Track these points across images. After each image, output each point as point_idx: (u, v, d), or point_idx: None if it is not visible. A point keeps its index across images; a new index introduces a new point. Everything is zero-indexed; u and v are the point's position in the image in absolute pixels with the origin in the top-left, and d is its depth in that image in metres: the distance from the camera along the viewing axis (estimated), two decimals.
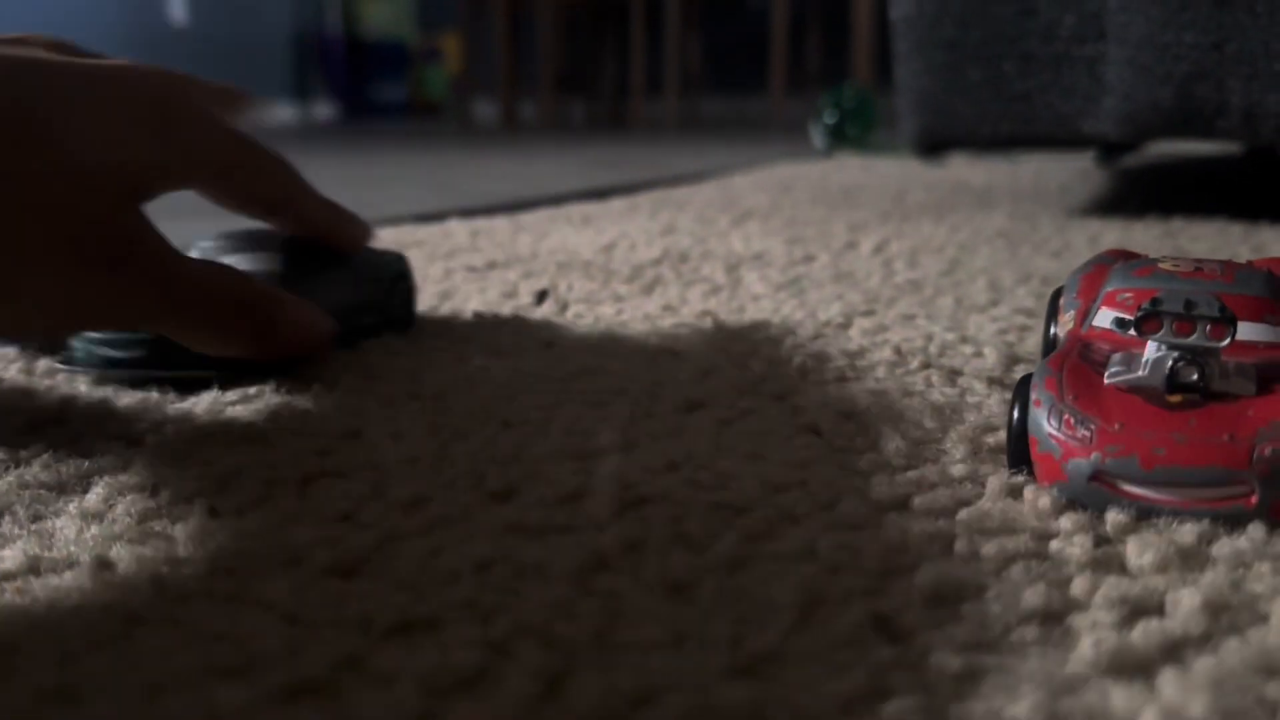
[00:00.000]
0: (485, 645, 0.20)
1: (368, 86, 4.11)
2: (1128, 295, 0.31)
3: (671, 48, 3.03)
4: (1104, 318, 0.31)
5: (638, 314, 0.53)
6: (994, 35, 0.83)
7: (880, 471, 0.30)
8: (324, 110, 4.23)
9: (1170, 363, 0.28)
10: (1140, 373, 0.28)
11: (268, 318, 0.37)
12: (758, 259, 0.69)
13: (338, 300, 0.44)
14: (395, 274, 0.48)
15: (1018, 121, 0.84)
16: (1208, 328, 0.28)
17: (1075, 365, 0.29)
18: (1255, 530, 0.25)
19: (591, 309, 0.54)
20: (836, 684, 0.19)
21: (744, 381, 0.40)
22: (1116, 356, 0.29)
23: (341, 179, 1.44)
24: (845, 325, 0.50)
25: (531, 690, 0.19)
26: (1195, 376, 0.28)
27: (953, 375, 0.40)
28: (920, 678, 0.19)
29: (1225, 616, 0.21)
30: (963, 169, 1.34)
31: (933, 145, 0.88)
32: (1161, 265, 0.33)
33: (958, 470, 0.29)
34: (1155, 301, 0.29)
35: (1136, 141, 0.83)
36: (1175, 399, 0.27)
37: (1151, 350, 0.28)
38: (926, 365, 0.42)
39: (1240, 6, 0.73)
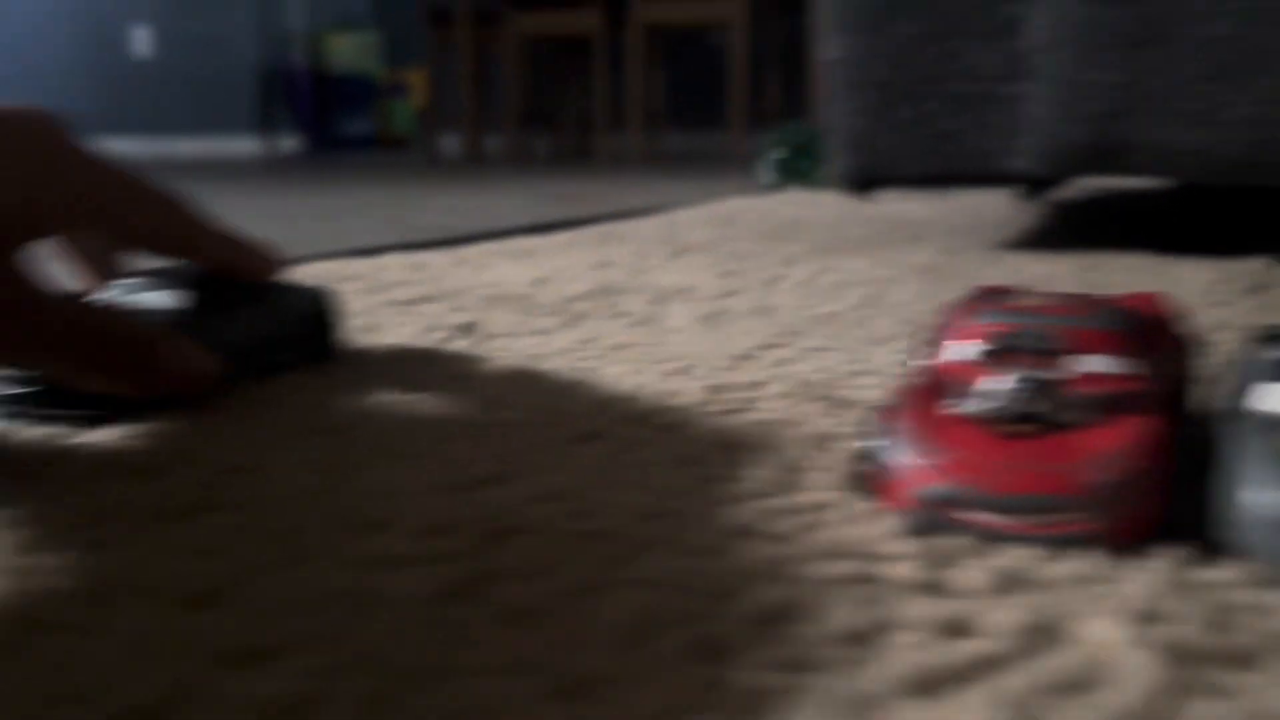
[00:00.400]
0: (321, 673, 0.21)
1: (334, 120, 4.12)
2: (982, 329, 0.32)
3: (633, 84, 3.06)
4: (959, 350, 0.32)
5: (556, 347, 0.54)
6: (922, 76, 0.85)
7: (745, 499, 0.31)
8: (290, 143, 4.24)
9: (1016, 394, 0.29)
10: (987, 403, 0.29)
11: (144, 356, 0.38)
12: (684, 293, 0.71)
13: (249, 336, 0.44)
14: (314, 310, 0.48)
15: (945, 159, 0.86)
16: (1054, 361, 0.30)
17: (926, 396, 0.30)
18: (1083, 555, 0.26)
19: (512, 342, 0.55)
20: (651, 703, 0.20)
21: (640, 413, 0.41)
22: (966, 388, 0.30)
23: (293, 213, 1.44)
24: (752, 358, 0.51)
25: (350, 716, 0.20)
26: (1039, 407, 0.29)
27: (844, 406, 0.42)
28: (730, 697, 0.20)
29: (1035, 638, 0.22)
30: (903, 204, 1.36)
31: (864, 183, 0.90)
32: (1024, 301, 0.34)
33: (814, 498, 0.30)
34: (1006, 335, 0.30)
35: (1058, 178, 0.86)
36: (1019, 429, 0.29)
37: (998, 382, 0.29)
38: (823, 397, 0.43)
39: (1153, 48, 0.76)
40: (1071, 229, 1.06)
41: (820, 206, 1.34)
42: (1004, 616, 0.23)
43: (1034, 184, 0.91)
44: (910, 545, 0.26)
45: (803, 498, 0.30)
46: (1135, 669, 0.21)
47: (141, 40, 4.05)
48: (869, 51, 0.86)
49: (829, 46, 0.88)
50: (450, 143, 3.96)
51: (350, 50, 4.14)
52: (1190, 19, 0.74)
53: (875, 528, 0.27)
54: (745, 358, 0.51)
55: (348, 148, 4.10)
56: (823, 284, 0.74)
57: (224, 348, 0.43)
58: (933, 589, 0.24)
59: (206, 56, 4.16)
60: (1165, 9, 0.75)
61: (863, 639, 0.22)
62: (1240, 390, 0.31)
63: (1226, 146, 0.76)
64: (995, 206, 1.30)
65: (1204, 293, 0.70)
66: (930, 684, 0.20)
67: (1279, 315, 0.62)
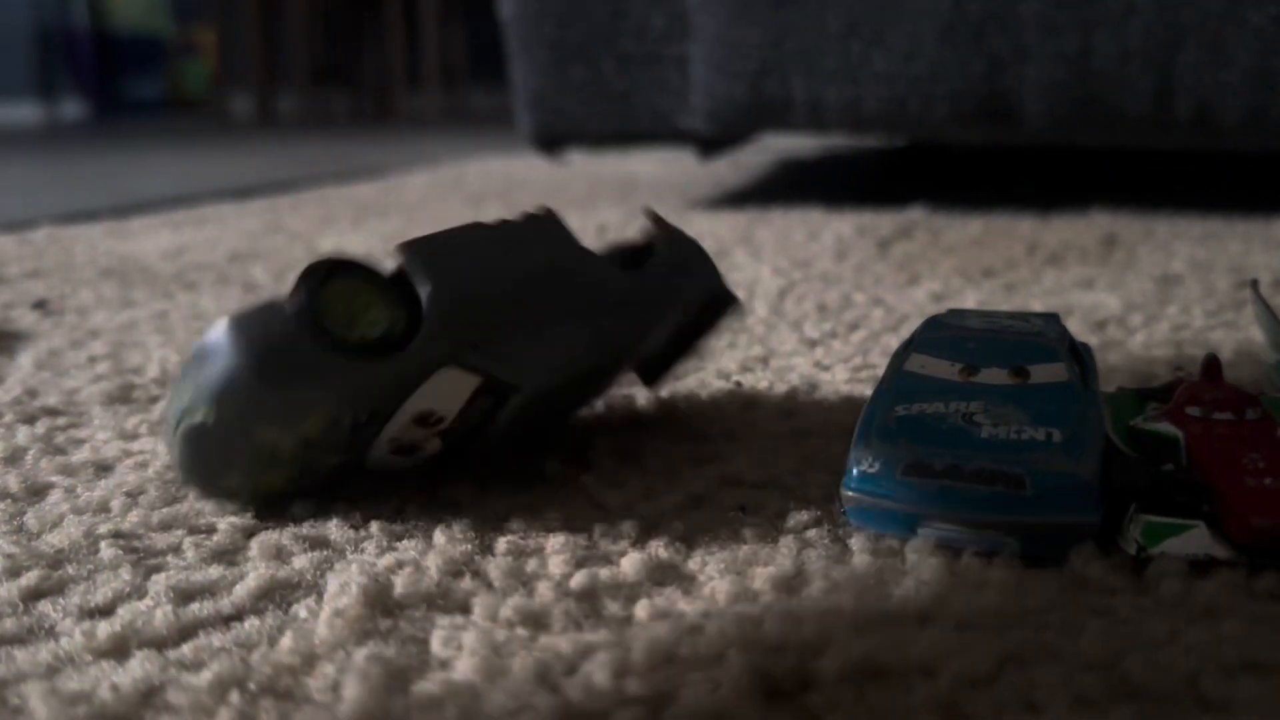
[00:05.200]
0: None
1: (121, 83, 3.90)
2: None
3: (429, 39, 3.00)
4: None
5: (123, 321, 0.52)
6: (592, 35, 0.86)
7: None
8: (72, 109, 3.99)
9: None
10: None
11: None
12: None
13: None
14: None
15: (621, 118, 0.87)
16: None
17: None
18: None
19: (85, 317, 0.53)
20: None
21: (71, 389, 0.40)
22: None
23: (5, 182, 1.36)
24: None
25: None
26: None
27: None
28: None
29: None
30: (647, 162, 1.38)
31: (548, 141, 0.90)
32: None
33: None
34: None
35: (724, 136, 0.88)
36: None
37: None
38: None
39: (793, 7, 0.78)
40: (771, 187, 1.09)
41: (561, 168, 1.34)
42: None
43: (709, 143, 0.93)
44: None
45: None
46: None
47: None
48: (539, 9, 0.86)
49: (504, 3, 0.88)
50: (245, 103, 3.80)
51: (135, 8, 3.91)
52: None
53: None
54: None
55: (137, 111, 3.89)
56: None
57: None
58: None
59: None
60: None
61: None
62: None
63: (867, 101, 0.79)
64: (727, 167, 1.33)
65: (837, 243, 0.73)
66: None
67: (894, 264, 0.65)
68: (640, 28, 0.85)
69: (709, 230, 0.79)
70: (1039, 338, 0.31)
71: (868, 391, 0.39)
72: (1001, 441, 0.26)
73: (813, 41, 0.78)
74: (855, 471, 0.27)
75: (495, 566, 0.24)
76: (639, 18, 0.84)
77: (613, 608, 0.23)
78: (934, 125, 0.79)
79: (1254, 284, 0.40)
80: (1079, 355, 0.32)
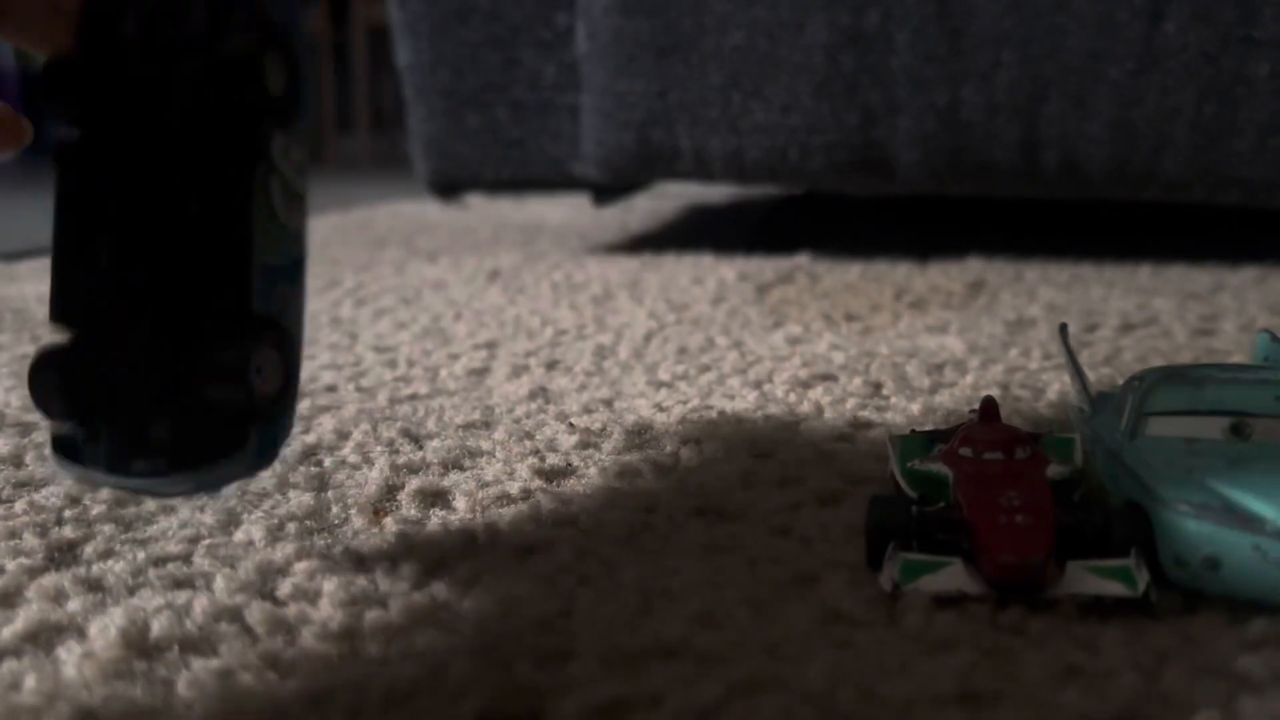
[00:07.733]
0: None
1: (47, 123, 3.85)
2: None
3: (359, 84, 3.00)
4: None
5: None
6: (486, 83, 0.87)
7: None
8: None
9: None
10: None
11: None
12: None
13: None
14: None
15: (516, 165, 0.88)
16: None
17: None
18: None
19: None
20: None
21: None
22: None
23: None
24: None
25: None
26: None
27: None
28: None
29: None
30: (557, 207, 1.39)
31: (445, 187, 0.91)
32: None
33: None
34: None
35: (616, 183, 0.89)
36: None
37: None
38: None
39: (677, 58, 0.81)
40: (673, 232, 1.12)
41: (478, 212, 1.35)
42: None
43: (603, 189, 0.95)
44: None
45: None
46: None
47: None
48: (434, 58, 0.87)
49: (400, 51, 0.89)
50: None
51: None
52: (708, 30, 0.79)
53: None
54: None
55: None
56: (367, 293, 0.74)
57: None
58: None
59: None
60: (686, 19, 0.80)
61: None
62: None
63: (749, 151, 0.81)
64: (634, 212, 1.35)
65: (718, 288, 0.75)
66: None
67: (767, 309, 0.67)
68: (533, 77, 0.86)
69: (598, 274, 0.81)
70: None
71: (695, 433, 0.40)
72: None
73: (695, 93, 0.80)
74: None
75: (260, 611, 0.25)
76: (531, 67, 0.86)
77: (372, 649, 0.24)
78: (812, 175, 0.82)
79: (1063, 328, 0.42)
80: None
